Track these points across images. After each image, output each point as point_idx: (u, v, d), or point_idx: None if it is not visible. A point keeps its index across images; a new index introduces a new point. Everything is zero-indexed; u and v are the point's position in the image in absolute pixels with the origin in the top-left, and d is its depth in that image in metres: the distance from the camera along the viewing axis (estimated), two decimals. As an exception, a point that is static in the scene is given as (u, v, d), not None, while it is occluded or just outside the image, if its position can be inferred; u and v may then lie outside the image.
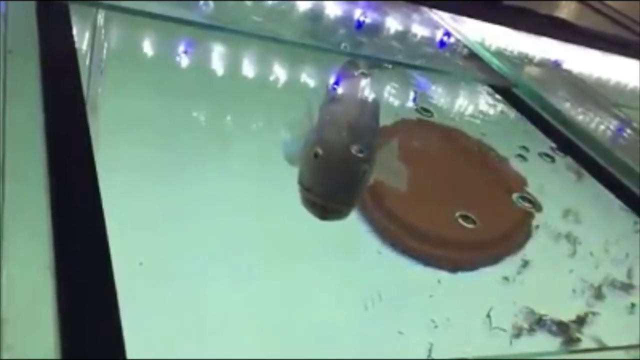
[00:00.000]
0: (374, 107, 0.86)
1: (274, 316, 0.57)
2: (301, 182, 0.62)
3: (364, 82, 0.96)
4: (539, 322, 0.66)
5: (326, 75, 1.06)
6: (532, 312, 0.67)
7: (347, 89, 0.89)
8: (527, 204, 0.85)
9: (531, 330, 0.65)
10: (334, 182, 0.61)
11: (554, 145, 1.08)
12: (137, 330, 0.46)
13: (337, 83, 0.95)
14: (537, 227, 0.83)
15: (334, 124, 0.70)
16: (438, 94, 1.15)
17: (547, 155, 1.03)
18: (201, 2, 1.11)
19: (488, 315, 0.64)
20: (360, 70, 1.05)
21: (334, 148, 0.63)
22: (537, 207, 0.85)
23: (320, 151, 0.61)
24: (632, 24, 2.10)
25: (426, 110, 1.02)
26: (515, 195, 0.86)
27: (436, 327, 0.60)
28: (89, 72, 0.78)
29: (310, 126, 0.71)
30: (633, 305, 0.75)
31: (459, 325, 0.62)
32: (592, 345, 0.67)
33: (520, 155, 0.98)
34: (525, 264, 0.75)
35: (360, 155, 0.66)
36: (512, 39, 1.57)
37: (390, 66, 1.17)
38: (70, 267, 0.49)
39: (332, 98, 0.79)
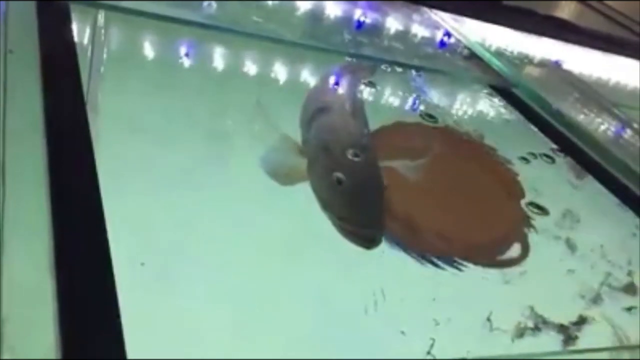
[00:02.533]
0: (360, 106, 0.85)
1: (274, 315, 0.57)
2: (335, 213, 0.60)
3: (350, 84, 0.95)
4: (538, 323, 0.66)
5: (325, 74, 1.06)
6: (532, 312, 0.67)
7: (333, 95, 0.87)
8: (536, 210, 0.85)
9: (531, 330, 0.65)
10: (372, 209, 0.60)
11: (554, 145, 1.08)
12: (137, 330, 0.46)
13: (321, 90, 0.92)
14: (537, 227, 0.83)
15: (337, 139, 0.68)
16: (438, 95, 1.15)
17: (547, 155, 1.03)
18: (201, 2, 1.11)
19: (489, 318, 0.64)
20: (367, 79, 1.05)
21: (356, 171, 0.62)
22: (546, 212, 0.85)
23: (342, 177, 0.60)
24: (632, 24, 2.10)
25: (428, 113, 1.02)
26: (523, 202, 0.86)
27: (437, 324, 0.60)
28: (89, 72, 0.78)
29: (290, 140, 0.69)
30: (633, 306, 0.75)
31: (460, 325, 0.62)
32: (592, 345, 0.67)
33: (522, 157, 0.98)
34: (525, 264, 0.75)
35: (357, 159, 0.66)
36: (512, 39, 1.57)
37: (388, 69, 1.16)
38: (70, 267, 0.49)
39: (321, 108, 0.77)
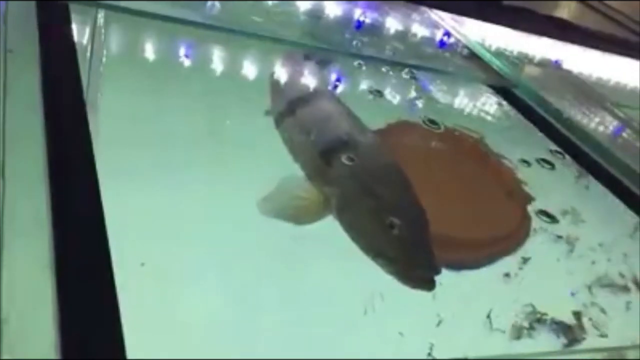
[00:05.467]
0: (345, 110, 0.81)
1: (274, 315, 0.57)
2: (391, 258, 0.58)
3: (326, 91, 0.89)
4: (539, 322, 0.66)
5: (326, 75, 1.06)
6: (532, 312, 0.67)
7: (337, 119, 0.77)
8: (546, 219, 0.84)
9: (531, 330, 0.65)
10: (427, 250, 0.58)
11: (554, 146, 1.08)
12: (137, 330, 0.46)
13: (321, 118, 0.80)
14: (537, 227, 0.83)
15: (379, 179, 0.64)
16: (438, 95, 1.15)
17: (546, 160, 1.03)
18: (201, 2, 1.11)
19: (488, 316, 0.64)
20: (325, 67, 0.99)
21: (408, 214, 0.60)
22: (555, 220, 0.85)
23: (397, 221, 0.58)
24: (632, 24, 2.10)
25: (430, 119, 1.01)
26: (534, 210, 0.85)
27: (438, 324, 0.60)
28: (89, 72, 0.78)
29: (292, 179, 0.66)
30: (632, 304, 0.75)
31: (459, 325, 0.62)
32: (592, 344, 0.67)
33: (522, 160, 0.98)
34: (526, 263, 0.75)
35: (351, 163, 0.64)
36: (512, 39, 1.57)
37: (390, 72, 1.16)
38: (70, 267, 0.49)
39: (341, 140, 0.70)
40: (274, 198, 0.63)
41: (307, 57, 1.01)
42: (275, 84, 0.91)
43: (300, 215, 0.63)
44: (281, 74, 0.97)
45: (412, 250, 0.58)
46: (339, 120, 0.76)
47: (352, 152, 0.67)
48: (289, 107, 0.79)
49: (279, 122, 0.76)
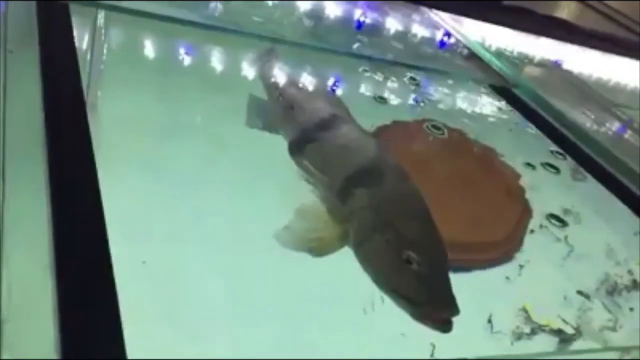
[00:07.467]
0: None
1: (275, 316, 0.57)
2: (408, 297, 0.54)
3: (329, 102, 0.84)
4: (539, 323, 0.66)
5: (326, 75, 1.06)
6: (532, 313, 0.67)
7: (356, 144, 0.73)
8: (556, 223, 0.84)
9: (531, 330, 0.65)
10: (448, 288, 0.55)
11: (554, 146, 1.08)
12: (137, 330, 0.46)
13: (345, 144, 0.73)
14: (538, 226, 0.83)
15: (399, 211, 0.60)
16: (438, 95, 1.15)
17: (548, 157, 1.03)
18: (201, 2, 1.11)
19: (489, 321, 0.64)
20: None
21: (426, 248, 0.57)
22: (565, 224, 0.85)
23: (414, 256, 0.55)
24: (632, 24, 2.10)
25: (433, 125, 1.01)
26: (544, 214, 0.85)
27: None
28: (89, 72, 0.78)
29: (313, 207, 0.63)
30: (633, 305, 0.75)
31: (460, 326, 0.62)
32: (592, 345, 0.67)
33: (524, 162, 0.98)
34: (525, 264, 0.75)
35: (370, 193, 0.61)
36: (512, 39, 1.57)
37: (391, 77, 1.16)
38: (70, 267, 0.49)
39: (365, 170, 0.66)
40: (292, 229, 0.62)
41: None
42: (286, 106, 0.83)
43: (317, 248, 0.62)
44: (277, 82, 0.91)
45: (429, 288, 0.55)
46: (354, 144, 0.72)
47: (371, 180, 0.65)
48: (302, 134, 0.75)
49: (293, 150, 0.74)
